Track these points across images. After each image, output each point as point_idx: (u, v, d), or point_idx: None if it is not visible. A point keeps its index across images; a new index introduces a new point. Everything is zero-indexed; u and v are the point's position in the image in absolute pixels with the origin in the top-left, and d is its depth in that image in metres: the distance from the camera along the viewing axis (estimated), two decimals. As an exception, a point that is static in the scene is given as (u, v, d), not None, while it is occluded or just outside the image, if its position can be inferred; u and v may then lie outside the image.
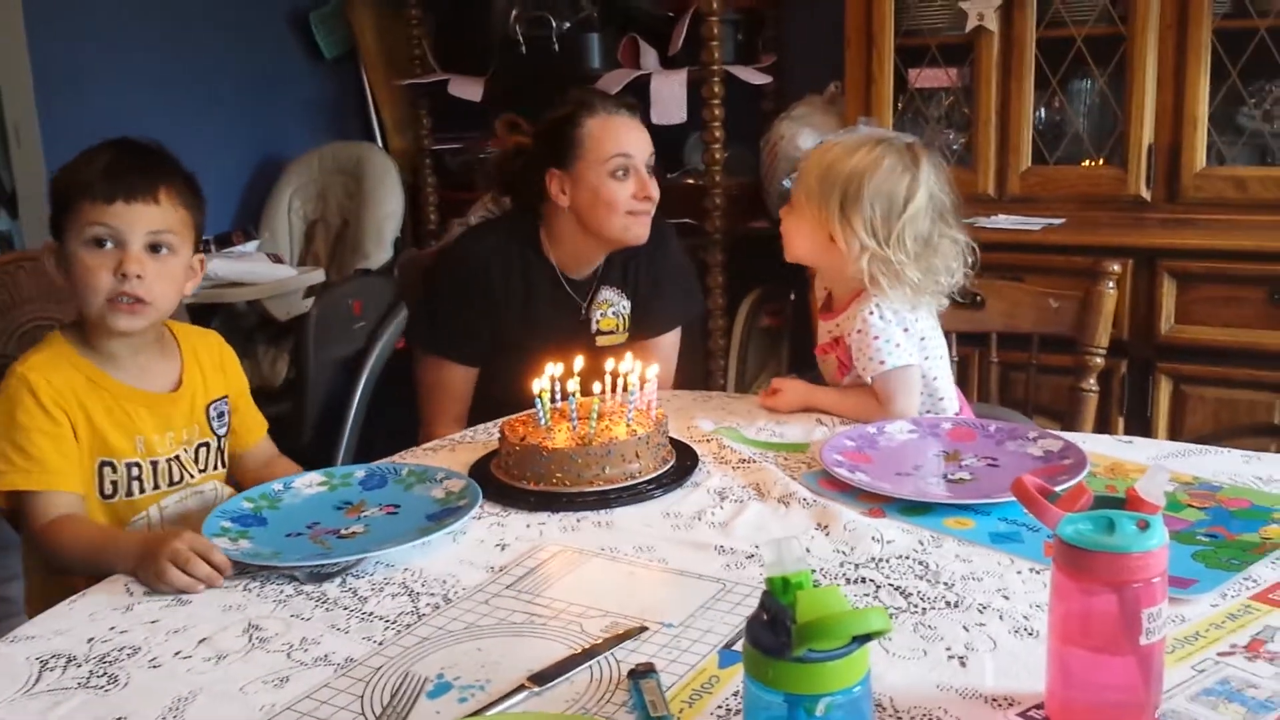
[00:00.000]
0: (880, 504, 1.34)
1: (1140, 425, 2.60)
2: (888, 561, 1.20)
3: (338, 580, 1.19)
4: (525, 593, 1.16)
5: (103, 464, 1.44)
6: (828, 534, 1.28)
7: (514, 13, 3.34)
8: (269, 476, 1.54)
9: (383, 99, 3.83)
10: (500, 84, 3.41)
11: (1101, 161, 2.76)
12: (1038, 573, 1.16)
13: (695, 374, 3.00)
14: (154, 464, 1.48)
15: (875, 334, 1.65)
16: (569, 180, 2.00)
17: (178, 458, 1.51)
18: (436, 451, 1.64)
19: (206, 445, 1.55)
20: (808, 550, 1.24)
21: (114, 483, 1.45)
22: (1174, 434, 2.54)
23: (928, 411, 1.71)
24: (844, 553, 1.23)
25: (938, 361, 1.72)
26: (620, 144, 1.98)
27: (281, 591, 1.17)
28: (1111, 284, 1.98)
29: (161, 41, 3.32)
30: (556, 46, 3.29)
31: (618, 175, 1.98)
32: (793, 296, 3.45)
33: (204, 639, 1.07)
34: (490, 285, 2.05)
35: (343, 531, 1.31)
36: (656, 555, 1.25)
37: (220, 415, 1.59)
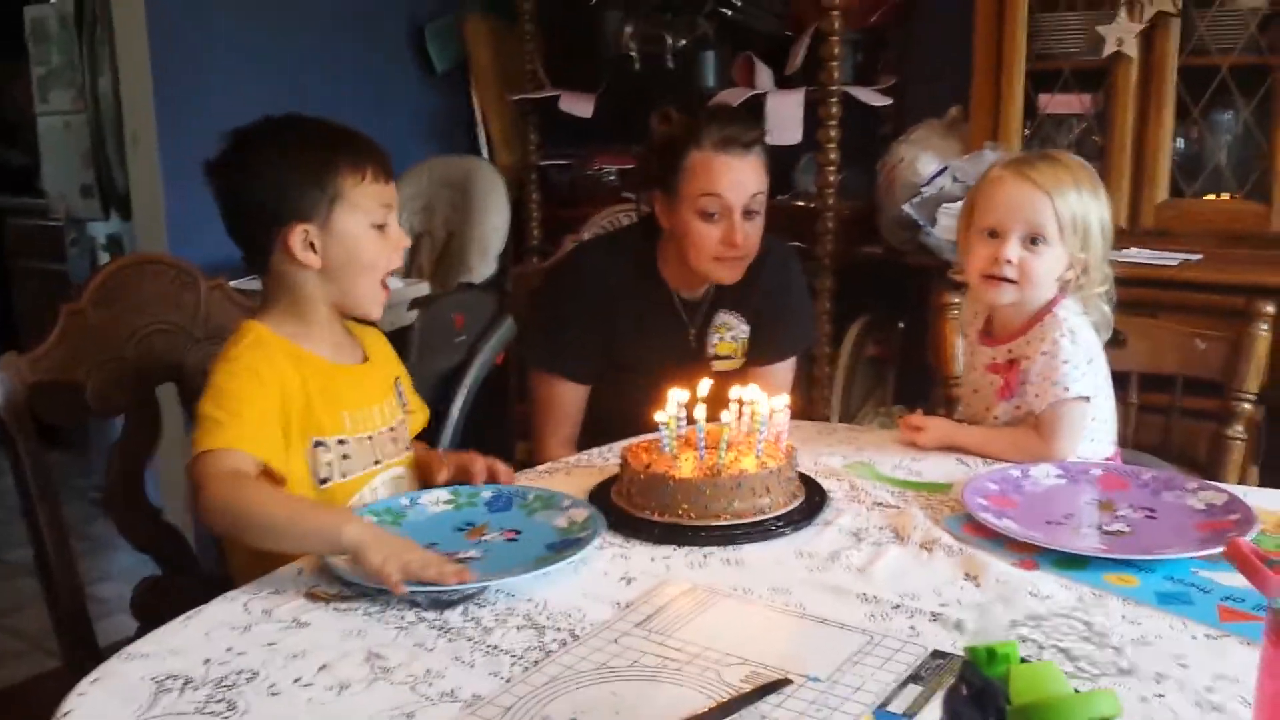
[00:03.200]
0: (1032, 554, 1.25)
1: (1275, 478, 2.45)
2: (1048, 620, 1.10)
3: (460, 608, 1.14)
4: (656, 633, 1.09)
5: (316, 444, 1.42)
6: (978, 585, 1.19)
7: (628, 30, 3.30)
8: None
9: (490, 114, 3.82)
10: (612, 101, 3.38)
11: (1243, 197, 2.61)
12: (1214, 639, 1.07)
13: (798, 402, 2.90)
14: (359, 441, 1.46)
15: (1065, 358, 1.56)
16: (668, 206, 1.94)
17: (380, 434, 1.49)
18: (552, 474, 1.59)
19: (397, 426, 1.54)
20: (958, 601, 1.15)
21: (329, 464, 1.43)
22: (1315, 487, 2.39)
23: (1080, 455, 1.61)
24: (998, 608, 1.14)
25: (1104, 402, 1.63)
26: (713, 185, 1.88)
27: (403, 618, 1.12)
28: (1265, 325, 1.86)
29: (278, 49, 3.34)
30: (671, 64, 3.24)
31: (707, 217, 1.89)
32: (902, 326, 3.35)
33: (324, 665, 1.02)
34: (603, 300, 2.00)
35: (459, 555, 1.25)
36: (793, 599, 1.17)
37: (400, 393, 1.58)
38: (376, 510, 1.35)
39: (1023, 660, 0.66)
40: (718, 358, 2.07)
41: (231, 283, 1.80)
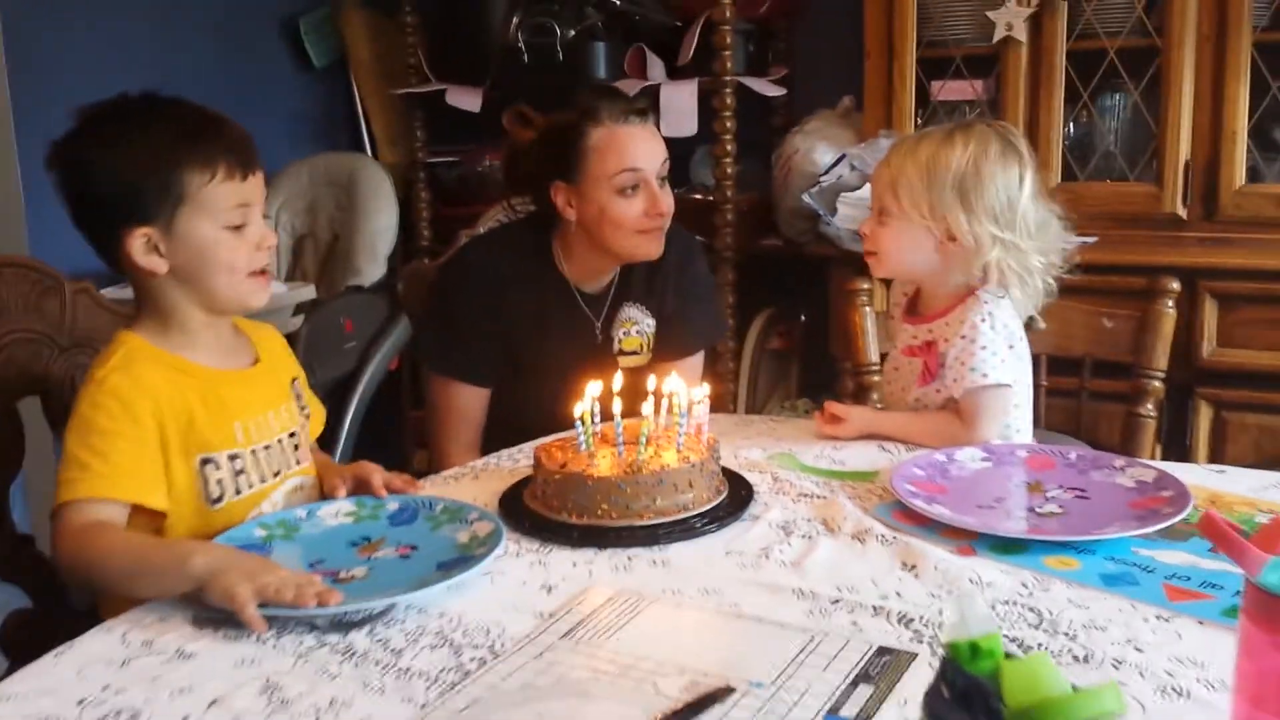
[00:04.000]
0: (967, 540, 1.20)
1: (1178, 453, 2.48)
2: (994, 608, 1.06)
3: (365, 629, 1.04)
4: (583, 644, 1.01)
5: (204, 462, 1.28)
6: (917, 576, 1.13)
7: (515, 20, 3.19)
8: None
9: (373, 110, 3.68)
10: (501, 94, 3.27)
11: (1135, 179, 2.64)
12: (1166, 620, 1.03)
13: (703, 398, 2.85)
14: (254, 453, 1.33)
15: (983, 344, 1.52)
16: (575, 195, 1.86)
17: (278, 443, 1.36)
18: (459, 480, 1.49)
19: (298, 432, 1.41)
20: (897, 594, 1.10)
21: (219, 481, 1.29)
22: (1214, 463, 2.42)
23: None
24: (940, 597, 1.08)
25: (1024, 389, 1.60)
26: (627, 158, 1.83)
27: (300, 643, 1.02)
28: (1170, 303, 1.86)
29: (145, 44, 3.15)
30: (560, 55, 3.15)
31: (626, 192, 1.83)
32: (803, 318, 3.32)
33: (214, 700, 0.92)
34: (496, 295, 1.91)
35: (341, 574, 1.15)
36: (726, 600, 1.10)
37: (299, 396, 1.45)
38: (268, 524, 1.24)
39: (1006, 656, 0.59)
40: (623, 353, 1.99)
41: (104, 290, 1.66)
